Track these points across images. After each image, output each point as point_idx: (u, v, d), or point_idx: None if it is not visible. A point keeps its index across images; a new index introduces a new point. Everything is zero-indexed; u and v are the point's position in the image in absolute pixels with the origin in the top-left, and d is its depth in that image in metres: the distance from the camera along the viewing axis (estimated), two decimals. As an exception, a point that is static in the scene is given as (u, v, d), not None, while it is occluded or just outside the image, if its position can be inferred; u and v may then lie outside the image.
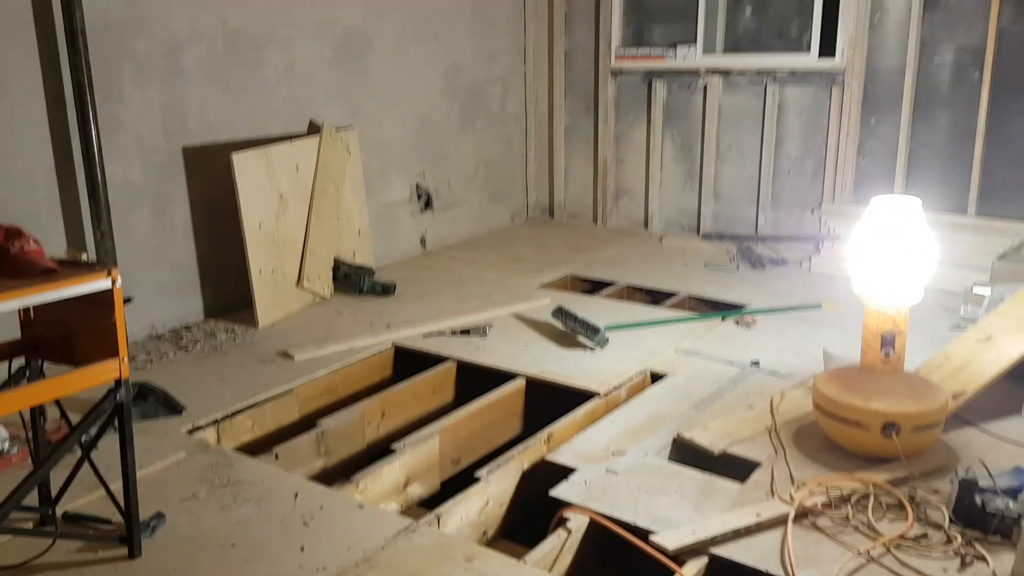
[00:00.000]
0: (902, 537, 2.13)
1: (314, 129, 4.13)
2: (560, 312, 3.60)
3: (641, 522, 2.21)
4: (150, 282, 3.66)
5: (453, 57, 5.18)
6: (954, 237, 4.20)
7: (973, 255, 4.13)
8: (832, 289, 4.25)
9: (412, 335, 3.57)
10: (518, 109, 5.80)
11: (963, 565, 2.03)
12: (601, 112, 5.67)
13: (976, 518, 2.15)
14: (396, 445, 2.67)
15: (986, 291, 3.34)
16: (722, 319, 3.88)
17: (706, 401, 3.00)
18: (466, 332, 3.59)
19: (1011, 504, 2.11)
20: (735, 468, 2.56)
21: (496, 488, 2.47)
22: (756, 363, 3.33)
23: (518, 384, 3.14)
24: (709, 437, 2.71)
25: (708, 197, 5.41)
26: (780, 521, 2.21)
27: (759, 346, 3.54)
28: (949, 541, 2.12)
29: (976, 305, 3.37)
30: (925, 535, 2.15)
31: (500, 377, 3.17)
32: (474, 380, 3.23)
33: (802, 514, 2.24)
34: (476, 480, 2.46)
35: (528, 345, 3.48)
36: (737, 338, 3.65)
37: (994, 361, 2.73)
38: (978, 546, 2.08)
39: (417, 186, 5.08)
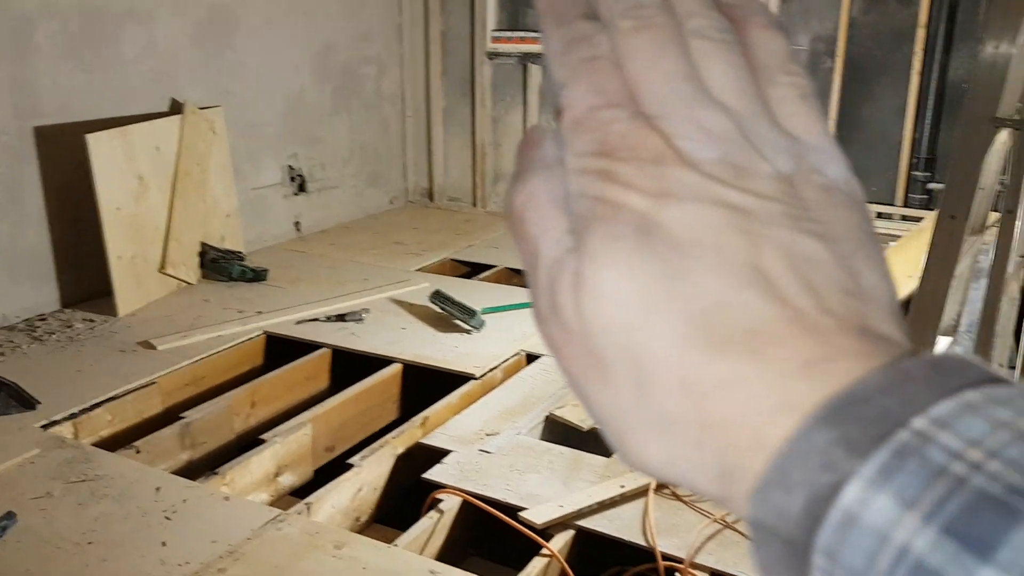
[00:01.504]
0: (757, 504, 2.25)
1: (176, 108, 3.98)
2: (438, 296, 3.60)
3: (512, 500, 2.26)
4: (0, 270, 3.45)
5: (325, 36, 5.07)
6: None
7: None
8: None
9: (284, 322, 3.49)
10: (394, 91, 5.74)
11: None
12: (478, 95, 5.68)
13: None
14: (266, 435, 2.62)
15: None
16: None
17: (578, 380, 3.07)
18: (341, 318, 3.54)
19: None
20: (603, 443, 2.63)
21: (370, 474, 2.47)
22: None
23: (394, 369, 3.13)
24: (579, 414, 2.78)
25: (583, 180, 5.50)
26: (642, 492, 2.29)
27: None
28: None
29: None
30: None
31: (376, 363, 3.15)
32: (350, 367, 3.20)
33: (663, 484, 2.33)
34: (349, 467, 2.45)
35: (405, 330, 3.47)
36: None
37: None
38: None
39: (290, 168, 4.96)
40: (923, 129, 4.60)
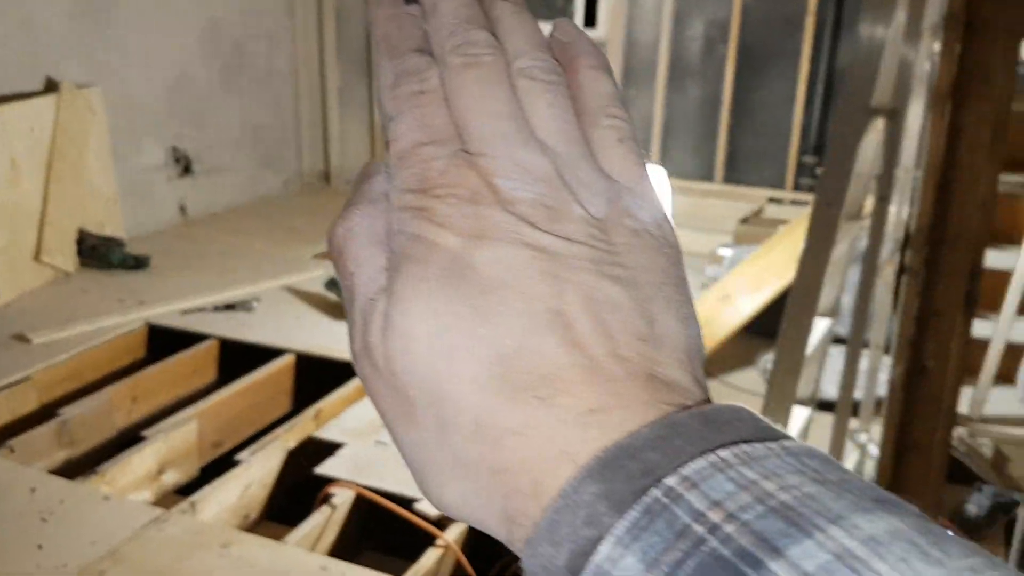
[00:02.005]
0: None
1: (52, 87, 3.75)
2: (334, 283, 3.52)
3: (409, 492, 2.23)
4: None
5: (212, 10, 4.87)
6: (703, 203, 4.53)
7: (720, 220, 4.47)
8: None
9: (169, 312, 3.35)
10: (286, 69, 5.57)
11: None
12: (375, 73, 5.57)
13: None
14: (148, 432, 2.51)
15: (728, 252, 3.62)
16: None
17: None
18: (230, 307, 3.43)
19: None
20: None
21: (259, 470, 2.39)
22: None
23: (287, 361, 3.04)
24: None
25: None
26: (540, 481, 2.30)
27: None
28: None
29: (719, 266, 3.66)
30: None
31: (267, 354, 3.06)
32: (239, 359, 3.09)
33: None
34: (237, 464, 2.37)
35: (299, 319, 3.38)
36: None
37: (732, 318, 2.98)
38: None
39: (174, 150, 4.76)
40: (812, 115, 4.76)
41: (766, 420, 0.25)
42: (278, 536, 2.06)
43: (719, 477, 0.23)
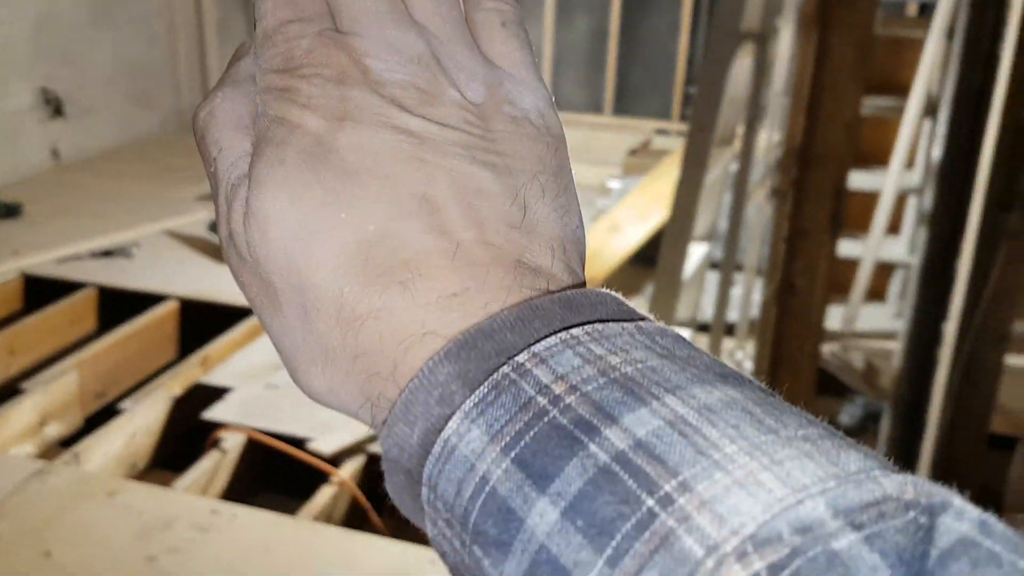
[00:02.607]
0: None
1: None
2: (217, 225, 3.41)
3: (301, 432, 2.22)
4: None
5: (74, -59, 4.57)
6: (593, 135, 4.56)
7: (609, 151, 4.52)
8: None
9: (44, 261, 3.20)
10: (161, 1, 5.28)
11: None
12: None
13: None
14: (26, 384, 2.42)
15: (616, 184, 3.67)
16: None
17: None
18: (109, 254, 3.29)
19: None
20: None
21: (144, 418, 2.34)
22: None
23: (170, 307, 2.95)
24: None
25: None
26: (434, 414, 2.32)
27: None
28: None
29: (607, 198, 3.71)
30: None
31: (149, 300, 2.96)
32: (120, 306, 2.98)
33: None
34: (120, 412, 2.31)
35: (181, 263, 3.27)
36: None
37: (620, 248, 3.04)
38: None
39: (44, 91, 4.49)
40: (697, 45, 4.81)
41: (630, 304, 0.25)
42: (165, 483, 2.03)
43: (567, 353, 0.23)
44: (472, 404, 0.23)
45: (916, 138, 2.69)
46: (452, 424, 0.23)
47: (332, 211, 0.25)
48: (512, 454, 0.22)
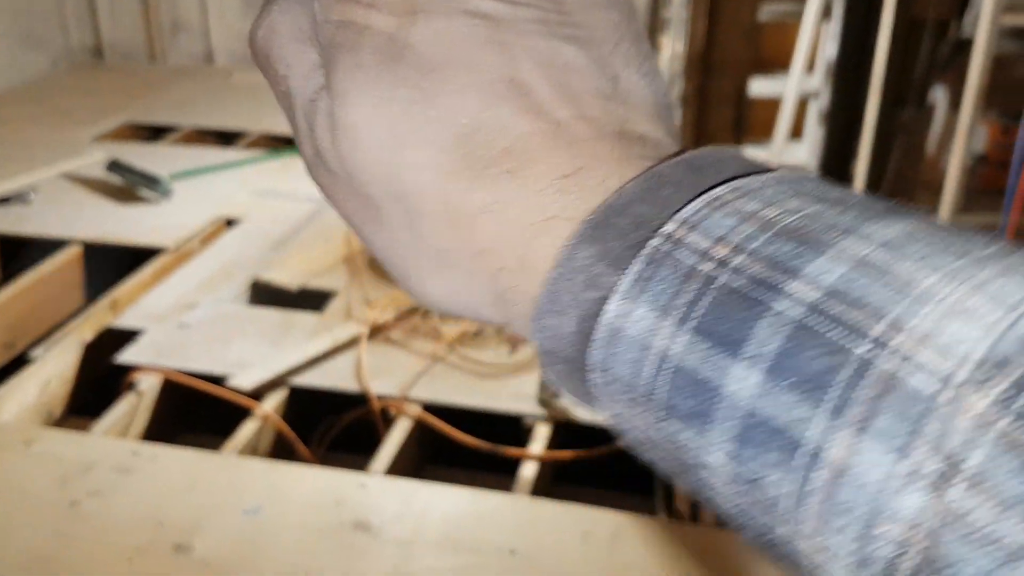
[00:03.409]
0: (463, 335, 2.36)
1: None
2: (115, 165, 3.29)
3: (218, 369, 2.19)
4: None
5: None
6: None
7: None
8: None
9: (-69, 212, 3.04)
10: (36, -67, 4.95)
11: (513, 349, 2.31)
12: (139, -65, 5.06)
13: (520, 307, 2.43)
14: (-77, 341, 2.31)
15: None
16: (297, 156, 3.82)
17: (284, 240, 2.98)
18: (4, 201, 3.14)
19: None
20: (314, 301, 2.61)
21: (56, 365, 2.27)
22: (330, 195, 3.37)
23: (73, 252, 2.85)
24: (287, 275, 2.72)
25: (273, 28, 5.17)
26: (355, 341, 2.31)
27: (333, 177, 3.57)
28: (501, 331, 2.38)
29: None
30: (481, 329, 2.40)
31: (51, 246, 2.85)
32: (20, 255, 2.88)
33: (375, 331, 2.37)
34: (31, 361, 2.24)
35: (82, 207, 3.15)
36: (312, 172, 3.64)
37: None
38: (523, 331, 2.37)
39: (-87, 32, 4.19)
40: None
41: (750, 157, 0.25)
42: (84, 429, 1.99)
43: (716, 215, 0.22)
44: (629, 283, 0.22)
45: (816, 42, 2.73)
46: (612, 307, 0.22)
47: (420, 109, 0.24)
48: (690, 326, 0.21)
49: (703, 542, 1.64)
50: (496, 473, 1.96)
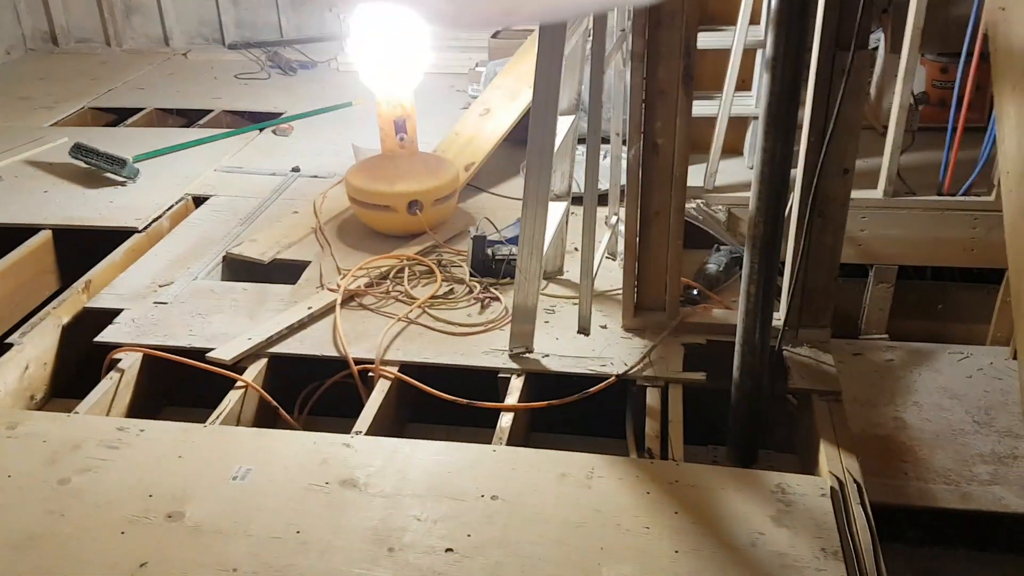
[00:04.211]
0: (433, 296, 2.42)
1: None
2: (79, 149, 3.29)
3: (198, 343, 2.23)
4: None
5: None
6: (460, 20, 4.50)
7: (468, 37, 4.48)
8: (361, 85, 4.38)
9: None
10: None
11: (483, 308, 2.38)
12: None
13: (488, 267, 2.50)
14: (-98, 333, 2.34)
15: (484, 68, 3.68)
16: (259, 131, 3.84)
17: (252, 215, 3.02)
18: (-32, 191, 3.14)
19: (513, 250, 2.48)
20: (287, 272, 2.65)
21: (35, 349, 2.31)
22: (296, 169, 3.40)
23: (43, 237, 2.87)
24: (258, 248, 2.76)
25: (227, 4, 5.13)
26: (330, 309, 2.37)
27: (299, 152, 3.59)
28: (471, 291, 2.45)
29: (478, 84, 3.71)
30: (452, 290, 2.46)
31: (21, 233, 2.87)
32: (-11, 243, 2.88)
33: (349, 298, 2.42)
34: (9, 347, 2.27)
35: (48, 192, 3.16)
36: (276, 147, 3.67)
37: (494, 131, 3.08)
38: (493, 290, 2.44)
39: None
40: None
41: None
42: (68, 410, 2.03)
43: None
44: None
45: (762, -6, 2.78)
46: None
47: None
48: None
49: (671, 476, 1.73)
50: (475, 427, 2.03)
